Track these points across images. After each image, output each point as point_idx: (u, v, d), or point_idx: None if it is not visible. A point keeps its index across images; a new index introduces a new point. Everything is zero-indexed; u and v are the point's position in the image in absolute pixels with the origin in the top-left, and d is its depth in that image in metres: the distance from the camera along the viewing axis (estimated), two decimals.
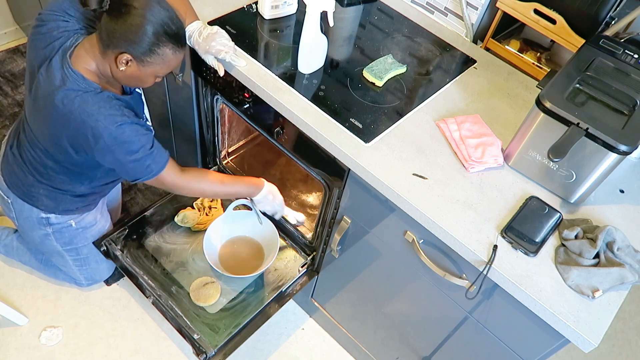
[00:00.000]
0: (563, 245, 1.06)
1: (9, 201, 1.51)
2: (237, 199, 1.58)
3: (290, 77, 1.32)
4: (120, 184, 1.92)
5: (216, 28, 1.32)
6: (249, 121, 1.49)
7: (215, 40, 1.30)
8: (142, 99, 1.43)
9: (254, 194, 1.48)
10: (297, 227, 1.66)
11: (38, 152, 1.35)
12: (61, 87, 1.17)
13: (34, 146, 1.35)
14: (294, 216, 1.60)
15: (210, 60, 1.34)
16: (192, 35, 1.32)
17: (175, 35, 1.16)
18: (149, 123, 1.49)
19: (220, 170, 1.85)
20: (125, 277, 1.67)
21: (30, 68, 1.26)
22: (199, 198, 1.74)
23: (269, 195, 1.49)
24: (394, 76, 1.37)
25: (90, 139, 1.19)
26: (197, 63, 1.49)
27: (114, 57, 1.16)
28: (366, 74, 1.35)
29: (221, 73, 1.34)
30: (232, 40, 1.34)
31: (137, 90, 1.40)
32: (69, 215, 1.54)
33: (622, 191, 1.21)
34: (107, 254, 1.62)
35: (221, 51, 1.30)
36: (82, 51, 1.19)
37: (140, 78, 1.21)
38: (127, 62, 1.16)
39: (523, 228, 1.07)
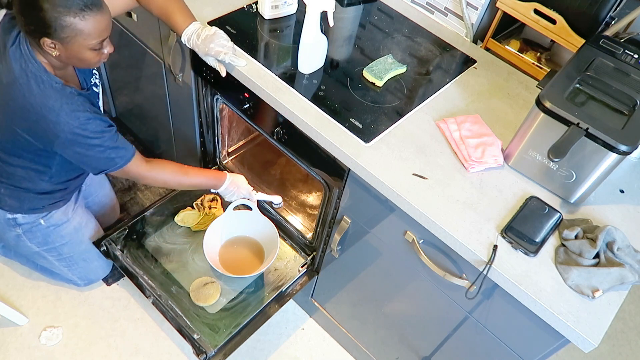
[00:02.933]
0: (563, 245, 1.06)
1: None
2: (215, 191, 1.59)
3: (290, 77, 1.32)
4: (108, 183, 1.91)
5: (214, 29, 1.32)
6: (249, 121, 1.49)
7: (213, 42, 1.29)
8: (99, 96, 1.42)
9: (217, 187, 1.51)
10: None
11: None
12: (21, 78, 1.16)
13: None
14: (269, 200, 1.61)
15: (211, 62, 1.34)
16: (190, 37, 1.32)
17: (69, 2, 1.09)
18: None
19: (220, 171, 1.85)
20: (125, 277, 1.67)
21: None
22: (199, 198, 1.74)
23: (230, 187, 1.52)
24: (394, 76, 1.37)
25: (50, 133, 1.20)
26: (197, 63, 1.49)
27: (42, 47, 1.13)
28: (366, 74, 1.35)
29: (223, 74, 1.34)
30: (232, 41, 1.34)
31: (94, 88, 1.38)
32: (36, 213, 1.51)
33: (622, 191, 1.21)
34: (107, 254, 1.62)
35: (220, 52, 1.29)
36: (33, 45, 1.18)
37: (78, 57, 1.17)
38: (54, 46, 1.13)
39: (523, 228, 1.07)
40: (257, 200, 1.61)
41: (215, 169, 1.85)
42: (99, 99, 1.41)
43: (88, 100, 1.25)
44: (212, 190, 1.54)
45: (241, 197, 1.56)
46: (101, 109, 1.42)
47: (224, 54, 1.29)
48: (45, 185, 1.44)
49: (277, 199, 1.62)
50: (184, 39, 1.33)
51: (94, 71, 1.41)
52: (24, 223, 1.52)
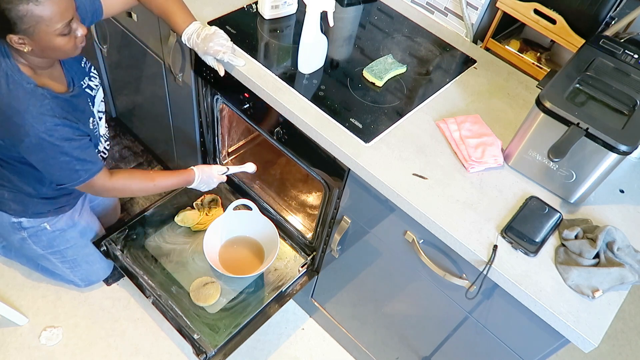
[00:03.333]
0: (563, 245, 1.06)
1: None
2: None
3: (290, 77, 1.32)
4: None
5: (214, 28, 1.32)
6: (249, 121, 1.49)
7: (213, 41, 1.29)
8: (91, 94, 1.37)
9: (189, 184, 1.48)
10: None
11: None
12: None
13: None
14: (242, 170, 1.58)
15: (210, 61, 1.33)
16: (190, 37, 1.31)
17: None
18: (102, 120, 1.43)
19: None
20: (125, 277, 1.67)
21: None
22: (199, 198, 1.74)
23: (201, 184, 1.50)
24: (394, 76, 1.37)
25: (16, 136, 1.15)
26: (197, 63, 1.49)
27: (12, 45, 1.10)
28: (366, 74, 1.35)
29: (221, 73, 1.34)
30: (232, 41, 1.34)
31: (88, 90, 1.35)
32: (42, 218, 1.50)
33: (622, 191, 1.21)
34: (107, 254, 1.62)
35: (219, 51, 1.29)
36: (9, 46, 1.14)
37: (50, 46, 1.12)
38: (22, 41, 1.09)
39: (523, 228, 1.07)
40: (231, 173, 1.57)
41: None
42: (92, 102, 1.37)
43: (66, 104, 1.21)
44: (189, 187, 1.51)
45: (218, 182, 1.53)
46: (97, 111, 1.39)
47: (222, 53, 1.29)
48: (47, 190, 1.43)
49: (250, 167, 1.59)
50: (184, 38, 1.33)
51: (92, 72, 1.39)
52: (29, 227, 1.51)
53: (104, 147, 1.48)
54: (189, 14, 1.34)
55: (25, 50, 1.11)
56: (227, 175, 1.56)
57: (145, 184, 1.39)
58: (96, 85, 1.41)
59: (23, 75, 1.14)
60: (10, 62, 1.14)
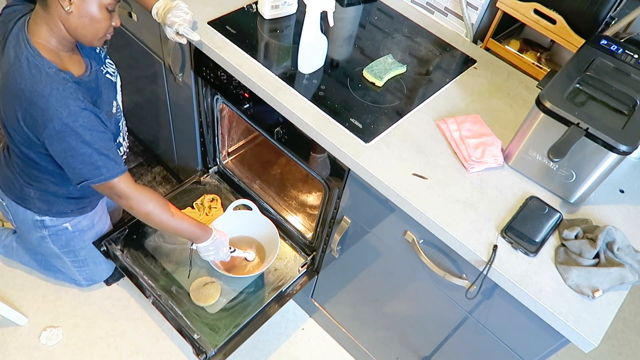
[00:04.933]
0: (563, 245, 1.06)
1: (4, 204, 1.50)
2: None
3: (290, 77, 1.32)
4: None
5: (176, 2, 1.32)
6: (249, 121, 1.49)
7: (171, 12, 1.30)
8: (112, 80, 1.37)
9: (199, 241, 1.41)
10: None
11: (16, 150, 1.31)
12: (15, 64, 1.12)
13: (11, 143, 1.31)
14: (243, 256, 1.58)
15: (170, 33, 1.34)
16: (158, 11, 1.33)
17: None
18: (119, 113, 1.41)
19: (220, 172, 1.85)
20: (125, 277, 1.67)
21: None
22: (199, 198, 1.74)
23: (211, 247, 1.43)
24: (394, 76, 1.37)
25: (39, 122, 1.13)
26: (197, 63, 1.49)
27: (57, 3, 1.10)
28: (366, 74, 1.35)
29: (183, 42, 1.35)
30: (232, 41, 1.34)
31: (109, 76, 1.34)
32: (64, 217, 1.51)
33: (622, 191, 1.21)
34: (107, 254, 1.62)
35: (175, 22, 1.30)
36: (34, 25, 1.14)
37: (89, 17, 1.12)
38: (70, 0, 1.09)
39: (523, 228, 1.07)
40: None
41: (215, 169, 1.85)
42: (114, 90, 1.37)
43: (88, 89, 1.20)
44: (192, 246, 1.44)
45: (216, 258, 1.49)
46: (115, 103, 1.38)
47: (178, 24, 1.30)
48: (74, 190, 1.43)
49: (250, 255, 1.60)
50: (153, 12, 1.34)
51: (108, 60, 1.38)
52: (51, 226, 1.52)
53: (126, 147, 1.49)
54: None
55: (66, 8, 1.09)
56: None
57: (163, 212, 1.31)
58: (114, 72, 1.39)
59: (44, 59, 1.13)
60: (31, 47, 1.13)
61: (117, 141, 1.41)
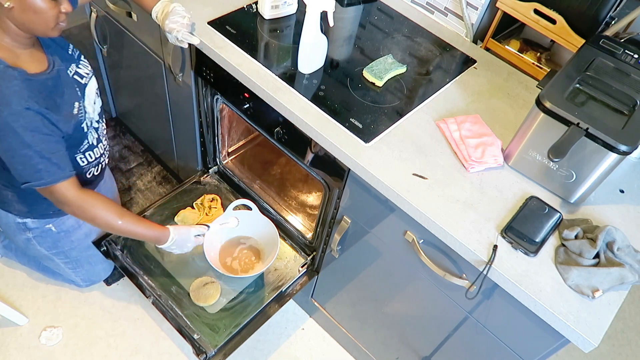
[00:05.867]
0: (563, 245, 1.06)
1: None
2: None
3: (290, 77, 1.32)
4: (114, 183, 1.91)
5: (172, 5, 1.32)
6: (249, 121, 1.49)
7: (169, 19, 1.30)
8: (80, 82, 1.32)
9: (159, 243, 1.41)
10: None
11: None
12: None
13: None
14: (224, 226, 1.57)
15: (171, 39, 1.34)
16: (157, 15, 1.33)
17: None
18: (82, 115, 1.33)
19: (220, 172, 1.85)
20: (125, 277, 1.67)
21: None
22: (199, 198, 1.74)
23: (173, 246, 1.43)
24: (394, 76, 1.37)
25: None
26: (198, 63, 1.49)
27: None
28: (366, 74, 1.35)
29: (184, 46, 1.36)
30: (232, 41, 1.34)
31: (77, 77, 1.30)
32: (46, 219, 1.48)
33: (622, 191, 1.21)
34: (107, 254, 1.62)
35: (173, 29, 1.30)
36: None
37: (31, 8, 1.07)
38: None
39: (523, 228, 1.07)
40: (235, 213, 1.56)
41: (215, 170, 1.85)
42: (81, 90, 1.31)
43: (42, 87, 1.16)
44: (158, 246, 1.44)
45: (193, 247, 1.49)
46: (90, 102, 1.34)
47: (176, 31, 1.30)
48: None
49: (233, 222, 1.58)
50: (153, 16, 1.34)
51: (82, 61, 1.34)
52: (34, 228, 1.50)
53: (102, 151, 1.45)
54: None
55: (5, 4, 1.05)
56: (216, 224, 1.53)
57: (110, 217, 1.29)
58: (87, 74, 1.35)
59: None
60: None
61: (88, 144, 1.37)
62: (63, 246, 1.60)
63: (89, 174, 1.44)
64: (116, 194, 1.93)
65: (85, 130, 1.34)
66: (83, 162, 1.38)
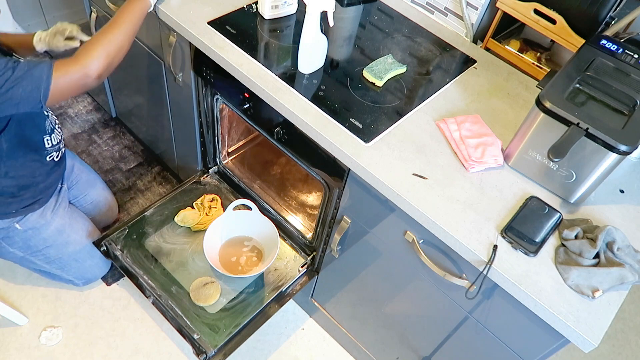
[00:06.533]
0: (563, 245, 1.06)
1: None
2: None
3: (290, 77, 1.32)
4: (101, 182, 1.89)
5: (56, 27, 1.46)
6: (249, 121, 1.49)
7: (55, 38, 1.43)
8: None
9: (145, 7, 1.36)
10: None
11: None
12: None
13: None
14: None
15: (62, 46, 1.47)
16: (42, 38, 1.45)
17: None
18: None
19: (220, 172, 1.85)
20: (125, 277, 1.67)
21: None
22: (199, 198, 1.74)
23: None
24: (394, 76, 1.37)
25: None
26: (197, 63, 1.49)
27: None
28: (366, 74, 1.35)
29: (76, 44, 1.46)
30: (232, 41, 1.34)
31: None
32: (10, 218, 1.47)
33: (622, 191, 1.21)
34: (107, 254, 1.62)
35: (66, 30, 1.42)
36: None
37: None
38: None
39: (523, 228, 1.07)
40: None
41: (215, 170, 1.85)
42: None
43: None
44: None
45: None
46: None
47: (68, 31, 1.44)
48: (7, 182, 1.40)
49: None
50: (36, 41, 1.45)
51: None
52: (0, 229, 1.48)
53: (61, 137, 1.56)
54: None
55: None
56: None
57: (106, 37, 1.25)
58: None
59: None
60: None
61: (51, 127, 1.48)
62: (36, 245, 1.58)
63: (50, 157, 1.51)
64: (108, 196, 1.93)
65: (45, 113, 1.45)
66: (48, 144, 1.47)
